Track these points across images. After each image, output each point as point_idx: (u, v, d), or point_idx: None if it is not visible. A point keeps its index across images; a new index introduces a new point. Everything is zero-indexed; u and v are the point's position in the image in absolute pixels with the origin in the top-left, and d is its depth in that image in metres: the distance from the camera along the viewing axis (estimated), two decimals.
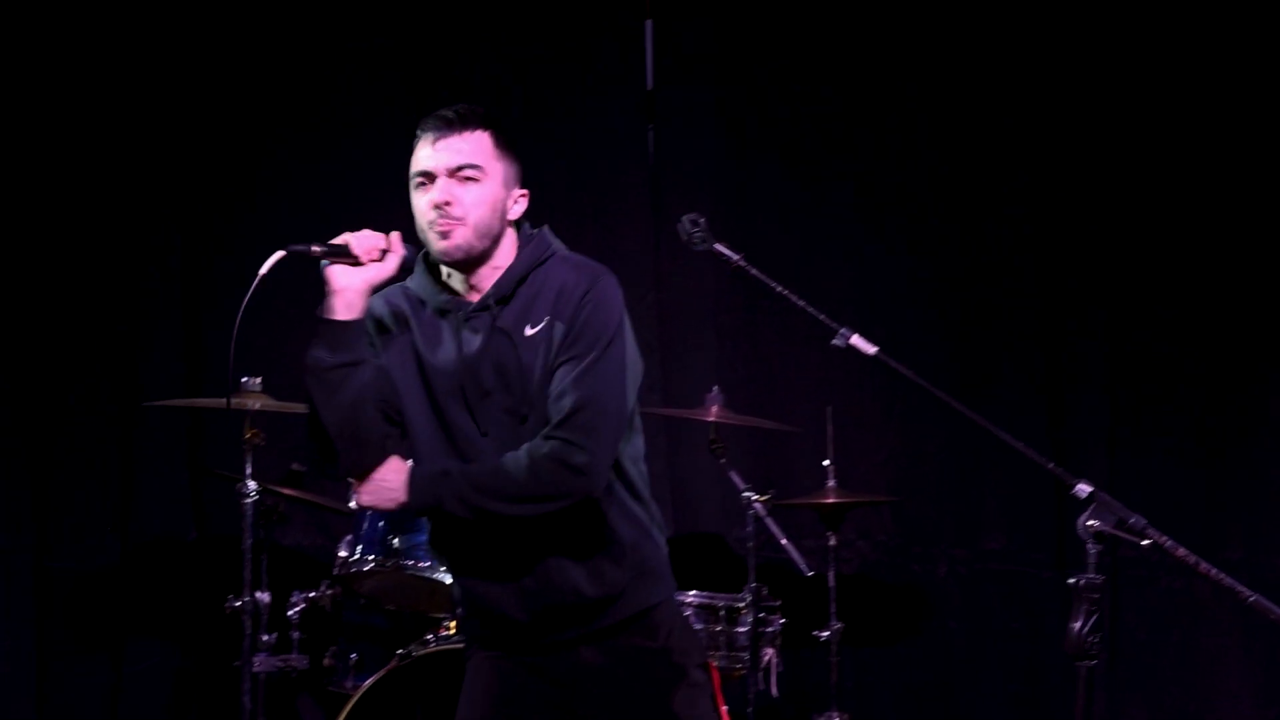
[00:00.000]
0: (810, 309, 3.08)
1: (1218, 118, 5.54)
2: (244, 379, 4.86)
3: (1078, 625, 2.76)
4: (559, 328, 3.04)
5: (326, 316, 3.04)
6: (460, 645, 4.30)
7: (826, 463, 5.17)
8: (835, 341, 3.04)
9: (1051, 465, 2.90)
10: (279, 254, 3.05)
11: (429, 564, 4.72)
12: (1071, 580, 2.78)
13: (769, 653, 4.87)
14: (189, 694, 5.58)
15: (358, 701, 4.33)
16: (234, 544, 4.84)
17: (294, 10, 5.71)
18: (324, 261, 3.06)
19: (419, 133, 3.11)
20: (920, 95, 5.72)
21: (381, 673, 4.36)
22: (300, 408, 4.83)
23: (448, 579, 4.65)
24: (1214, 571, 2.80)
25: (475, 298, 3.10)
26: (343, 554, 4.80)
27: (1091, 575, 2.77)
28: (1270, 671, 5.51)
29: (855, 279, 5.70)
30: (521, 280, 3.10)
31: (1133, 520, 2.79)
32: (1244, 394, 5.55)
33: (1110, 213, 5.62)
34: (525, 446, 3.00)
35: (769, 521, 4.87)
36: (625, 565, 3.10)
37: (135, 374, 5.56)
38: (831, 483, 5.16)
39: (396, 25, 5.72)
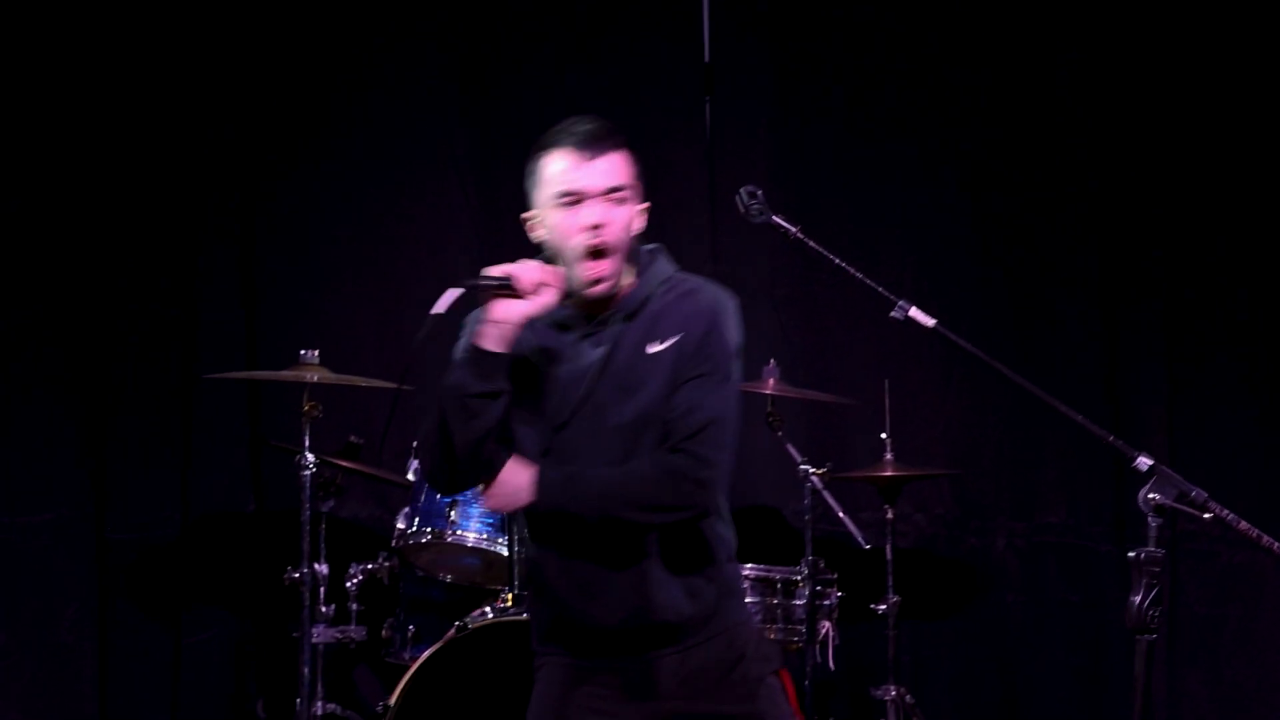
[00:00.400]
0: (868, 281, 3.07)
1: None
2: (302, 351, 4.89)
3: (1138, 599, 2.75)
4: (685, 347, 3.03)
5: (480, 345, 3.00)
6: (518, 618, 4.35)
7: (884, 435, 5.15)
8: (894, 314, 3.03)
9: (1112, 438, 2.88)
10: (455, 292, 2.98)
11: (486, 536, 4.74)
12: (1131, 554, 2.76)
13: (825, 626, 4.87)
14: (248, 665, 5.63)
15: (415, 673, 4.35)
16: (293, 516, 4.88)
17: None
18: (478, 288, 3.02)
19: (552, 146, 3.05)
20: (980, 60, 5.67)
21: (439, 644, 4.38)
22: (360, 380, 4.92)
23: (503, 551, 4.67)
24: (1277, 545, 2.78)
25: (593, 310, 3.08)
26: (400, 526, 4.83)
27: (1152, 549, 2.75)
28: None
29: (914, 250, 5.67)
30: (646, 299, 3.09)
31: (1194, 494, 2.77)
32: None
33: (1172, 185, 5.57)
34: (650, 457, 3.00)
35: (826, 494, 4.87)
36: (717, 584, 3.11)
37: (194, 346, 5.60)
38: (889, 456, 5.15)
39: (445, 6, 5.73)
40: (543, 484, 3.01)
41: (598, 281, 3.03)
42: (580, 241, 3.02)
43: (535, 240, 3.11)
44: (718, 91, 5.74)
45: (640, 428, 3.03)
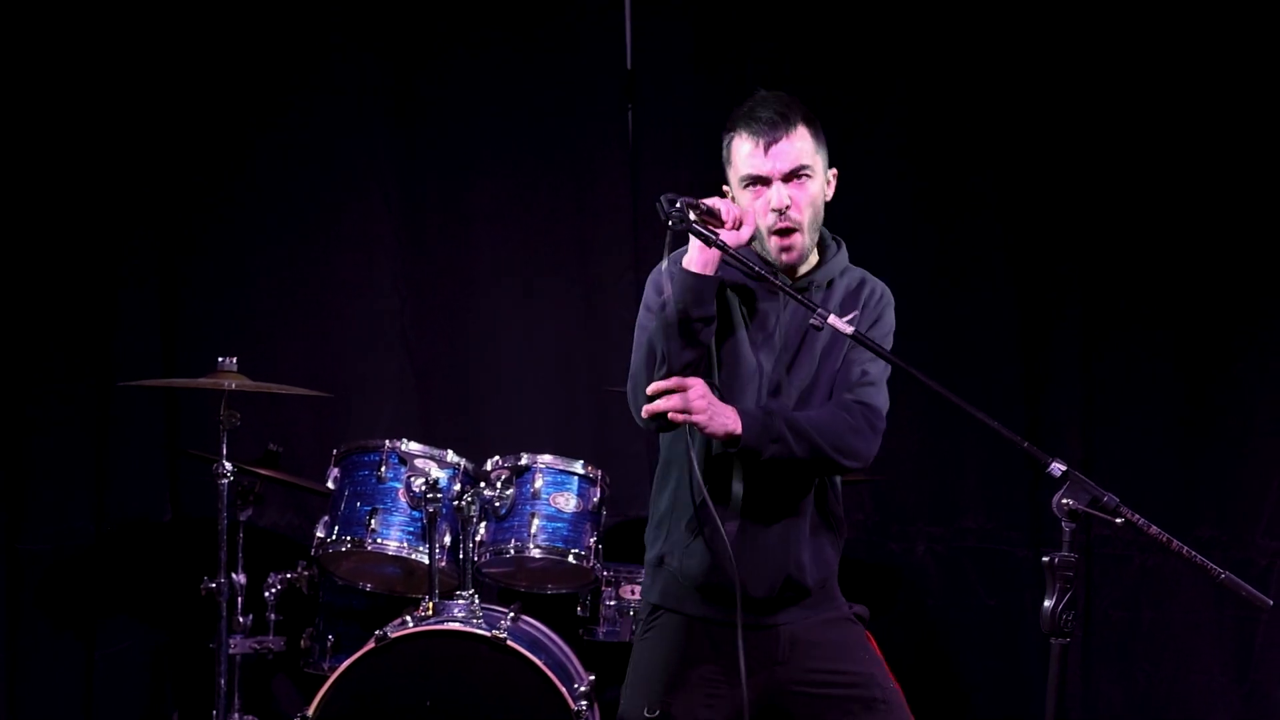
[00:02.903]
0: (787, 289, 3.10)
1: (1193, 98, 5.56)
2: (220, 359, 4.84)
3: (1052, 603, 2.79)
4: (862, 324, 3.32)
5: (692, 269, 3.14)
6: (438, 627, 4.34)
7: None
8: (813, 321, 3.07)
9: (1026, 444, 2.92)
10: (678, 199, 3.10)
11: (407, 544, 4.72)
12: (1046, 558, 2.80)
13: None
14: (164, 676, 5.56)
15: (334, 683, 4.31)
16: (210, 525, 4.83)
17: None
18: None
19: (739, 130, 3.29)
20: (895, 70, 5.71)
21: (358, 654, 4.35)
22: (278, 388, 4.89)
23: (424, 559, 4.65)
24: (1186, 549, 2.82)
25: (787, 272, 3.32)
26: (320, 534, 4.80)
27: (1066, 553, 2.79)
28: (1241, 647, 5.55)
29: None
30: (832, 280, 3.36)
31: (1106, 499, 2.81)
32: (1218, 374, 5.57)
33: (1085, 191, 5.63)
34: (831, 404, 3.27)
35: None
36: (837, 550, 3.43)
37: (109, 352, 5.52)
38: None
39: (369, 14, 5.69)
40: (745, 417, 3.15)
41: (788, 251, 3.27)
42: (768, 224, 3.26)
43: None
44: (640, 98, 5.75)
45: (813, 391, 3.29)
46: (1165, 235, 5.59)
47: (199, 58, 5.57)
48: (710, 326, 3.16)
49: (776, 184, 3.25)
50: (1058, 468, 2.83)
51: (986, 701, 5.71)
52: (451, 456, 4.81)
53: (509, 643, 4.31)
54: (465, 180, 5.70)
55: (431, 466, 4.72)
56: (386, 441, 4.81)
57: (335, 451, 4.91)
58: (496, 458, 4.86)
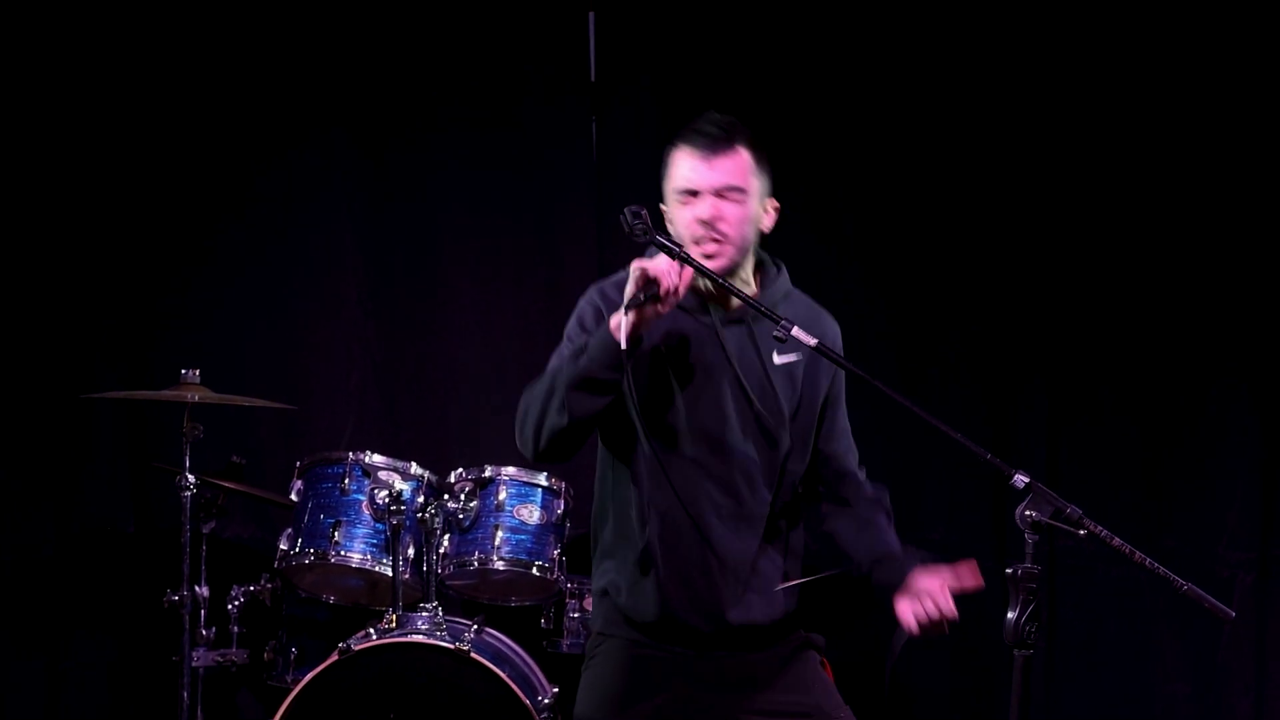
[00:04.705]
0: (750, 301, 3.11)
1: (1153, 122, 5.61)
2: (183, 371, 4.82)
3: (1015, 614, 2.80)
4: (821, 373, 3.36)
5: (621, 338, 3.05)
6: (401, 639, 4.32)
7: None
8: (776, 333, 3.08)
9: (989, 456, 2.93)
10: (628, 319, 3.06)
11: (370, 557, 4.71)
12: (1009, 570, 2.81)
13: None
14: (127, 689, 5.53)
15: (297, 695, 4.30)
16: (173, 537, 4.81)
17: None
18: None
19: (679, 144, 3.28)
20: (858, 86, 5.74)
21: (321, 666, 4.34)
22: (241, 400, 4.87)
23: (388, 572, 4.64)
24: (1148, 561, 2.83)
25: (719, 302, 3.30)
26: (283, 546, 4.78)
27: (1029, 565, 2.80)
28: (1204, 658, 5.57)
29: (798, 272, 5.69)
30: (782, 299, 3.34)
31: (1069, 510, 2.82)
32: (1181, 386, 5.60)
33: (1051, 212, 5.66)
34: (869, 509, 3.49)
35: None
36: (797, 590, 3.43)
37: (73, 364, 5.49)
38: None
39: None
40: None
41: (710, 259, 3.22)
42: (694, 234, 3.22)
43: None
44: (604, 111, 5.75)
45: (743, 426, 3.27)
46: (1136, 250, 5.62)
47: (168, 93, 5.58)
48: (614, 393, 3.14)
49: (708, 197, 3.22)
50: (1021, 479, 2.84)
51: (950, 713, 5.73)
52: (415, 469, 4.80)
53: (473, 655, 4.30)
54: (430, 195, 5.69)
55: (395, 479, 4.71)
56: (350, 454, 4.80)
57: (299, 464, 4.89)
58: (460, 470, 4.85)
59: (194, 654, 4.77)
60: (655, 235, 3.12)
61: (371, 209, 5.68)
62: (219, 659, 4.86)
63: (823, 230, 5.73)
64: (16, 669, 5.42)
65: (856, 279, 5.71)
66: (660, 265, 3.05)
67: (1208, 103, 5.56)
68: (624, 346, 3.03)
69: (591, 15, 5.72)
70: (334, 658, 4.33)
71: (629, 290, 3.04)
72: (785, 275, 3.42)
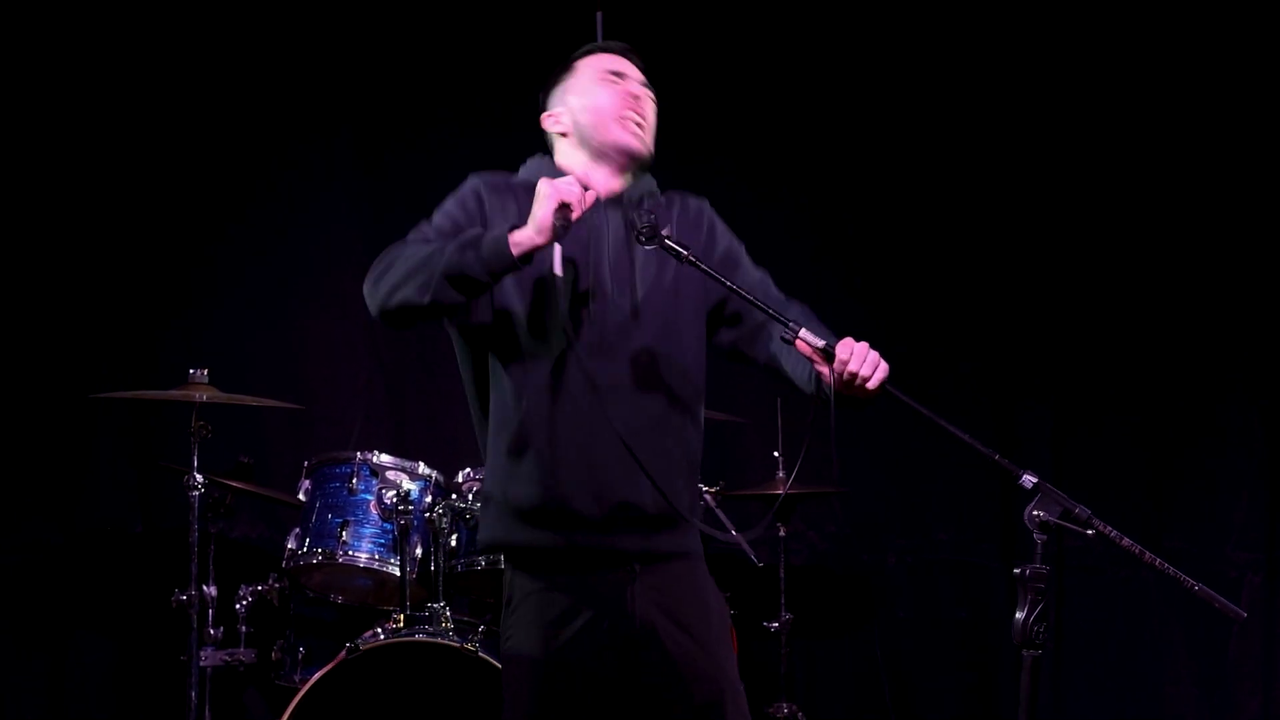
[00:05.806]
0: (758, 302, 3.10)
1: (1153, 132, 5.60)
2: (191, 370, 4.83)
3: (1024, 614, 2.78)
4: (719, 249, 3.34)
5: (517, 255, 2.99)
6: (409, 639, 4.32)
7: (776, 454, 5.18)
8: (783, 335, 3.07)
9: (998, 457, 2.92)
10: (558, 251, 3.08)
11: (378, 556, 4.71)
12: (1017, 570, 2.80)
13: None
14: (134, 688, 5.54)
15: (305, 695, 4.30)
16: (181, 536, 4.81)
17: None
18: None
19: (592, 51, 3.28)
20: (857, 99, 5.75)
21: (330, 666, 4.34)
22: (249, 400, 4.87)
23: (395, 571, 4.64)
24: (1159, 561, 2.82)
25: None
26: (291, 546, 4.78)
27: (1037, 565, 2.79)
28: (1213, 658, 5.57)
29: (803, 273, 5.70)
30: (648, 193, 3.29)
31: (1078, 511, 2.82)
32: (1188, 388, 5.61)
33: (1058, 219, 5.66)
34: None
35: (719, 512, 4.88)
36: (695, 490, 3.23)
37: (81, 364, 5.50)
38: (781, 474, 5.18)
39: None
40: None
41: (639, 136, 3.22)
42: (623, 109, 3.21)
43: (557, 132, 3.27)
44: None
45: (638, 306, 3.17)
46: (1143, 252, 5.63)
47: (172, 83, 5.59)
48: (484, 291, 3.08)
49: (635, 81, 3.26)
50: (1029, 480, 2.83)
51: (958, 713, 5.72)
52: (423, 468, 4.80)
53: (480, 654, 4.30)
54: (434, 194, 5.68)
55: (403, 478, 4.71)
56: (358, 454, 4.80)
57: (306, 463, 4.89)
58: (468, 469, 4.85)
59: (201, 653, 4.78)
60: (664, 239, 3.10)
61: (376, 208, 5.69)
62: (226, 658, 4.86)
63: (827, 241, 5.74)
64: (24, 668, 5.43)
65: (861, 290, 5.71)
66: (573, 192, 2.99)
67: (1212, 114, 5.57)
68: (558, 273, 3.05)
69: (599, 15, 5.71)
70: (342, 657, 4.33)
71: (544, 215, 2.95)
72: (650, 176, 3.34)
